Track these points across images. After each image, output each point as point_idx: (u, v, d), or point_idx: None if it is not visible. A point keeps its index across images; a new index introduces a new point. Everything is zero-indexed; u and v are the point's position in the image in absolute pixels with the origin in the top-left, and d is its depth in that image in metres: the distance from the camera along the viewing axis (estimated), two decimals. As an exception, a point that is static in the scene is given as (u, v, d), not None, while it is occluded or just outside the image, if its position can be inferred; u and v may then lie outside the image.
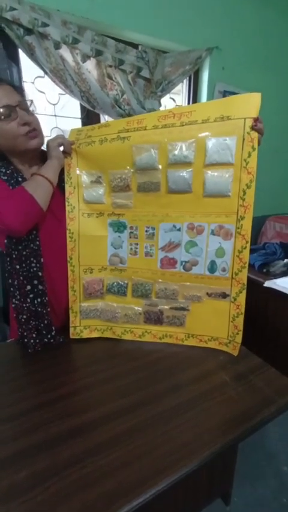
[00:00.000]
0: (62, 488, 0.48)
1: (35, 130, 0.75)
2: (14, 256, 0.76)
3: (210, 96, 1.75)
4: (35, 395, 0.67)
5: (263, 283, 1.44)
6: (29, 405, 0.64)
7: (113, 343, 0.86)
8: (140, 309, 0.87)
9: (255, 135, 0.69)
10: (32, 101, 0.78)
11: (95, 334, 0.88)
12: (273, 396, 0.65)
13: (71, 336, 0.87)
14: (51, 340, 0.82)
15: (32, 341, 0.80)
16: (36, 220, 0.76)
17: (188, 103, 1.84)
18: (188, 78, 1.79)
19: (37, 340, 0.81)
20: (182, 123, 0.74)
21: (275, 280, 1.45)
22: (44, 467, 0.51)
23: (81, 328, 0.87)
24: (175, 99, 1.86)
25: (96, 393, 0.68)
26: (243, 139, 0.70)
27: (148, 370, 0.75)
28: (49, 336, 0.82)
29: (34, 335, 0.80)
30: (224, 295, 0.80)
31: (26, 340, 0.80)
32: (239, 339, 0.79)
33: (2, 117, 0.70)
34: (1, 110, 0.69)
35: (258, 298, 1.48)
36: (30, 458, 0.53)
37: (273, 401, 0.64)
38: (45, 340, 0.82)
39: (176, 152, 0.75)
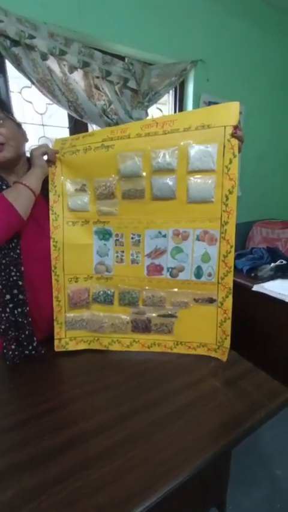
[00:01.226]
0: (53, 504, 0.46)
1: (1, 145, 0.73)
2: None
3: (196, 106, 1.80)
4: (22, 409, 0.65)
5: (252, 287, 1.46)
6: (17, 420, 0.62)
7: (99, 354, 0.85)
8: (128, 317, 0.86)
9: (235, 142, 0.71)
10: (9, 113, 0.77)
11: (81, 346, 0.85)
12: (263, 400, 0.66)
13: (56, 349, 0.84)
14: (33, 352, 0.79)
15: (10, 353, 0.77)
16: (16, 229, 0.75)
17: (175, 113, 1.88)
18: (174, 89, 1.83)
19: (16, 352, 0.78)
20: (164, 132, 0.75)
21: (263, 284, 1.47)
22: (34, 483, 0.49)
23: (66, 340, 0.85)
24: (162, 109, 1.90)
25: (85, 405, 0.66)
26: (224, 146, 0.71)
27: (137, 380, 0.74)
28: (30, 348, 0.79)
29: (13, 346, 0.78)
30: (211, 300, 0.80)
31: (4, 351, 0.78)
32: (227, 344, 0.79)
33: None
34: None
35: (247, 303, 1.50)
36: (19, 474, 0.51)
37: (263, 405, 0.64)
38: (26, 352, 0.79)
39: (160, 159, 0.76)
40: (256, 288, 1.45)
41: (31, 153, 0.80)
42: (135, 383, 0.73)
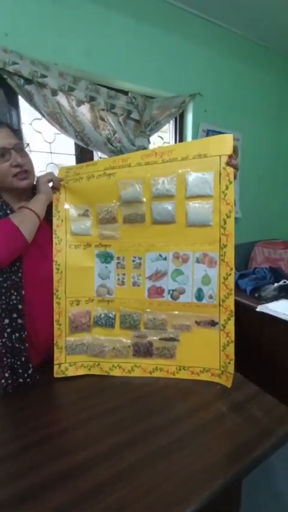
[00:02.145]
0: None
1: (26, 172, 0.79)
2: None
3: (195, 134, 1.90)
4: (19, 436, 0.63)
5: (256, 307, 1.44)
6: (14, 448, 0.60)
7: (99, 377, 0.83)
8: (129, 341, 0.85)
9: (230, 170, 0.74)
10: (28, 144, 0.84)
11: (81, 372, 0.84)
12: (273, 426, 0.63)
13: (55, 375, 0.82)
14: (28, 380, 0.78)
15: (3, 381, 0.75)
16: (20, 251, 0.77)
17: (175, 140, 1.98)
18: (174, 118, 1.94)
19: (9, 381, 0.76)
20: (163, 161, 0.80)
21: (267, 305, 1.45)
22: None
23: (66, 365, 0.83)
24: (163, 136, 2.00)
25: (85, 432, 0.64)
26: (220, 174, 0.75)
27: (138, 405, 0.72)
28: (25, 375, 0.78)
29: (7, 374, 0.76)
30: (213, 323, 0.80)
31: None
32: (231, 369, 0.77)
33: None
34: None
35: (252, 323, 1.48)
36: (16, 508, 0.48)
37: (273, 431, 0.61)
38: (20, 380, 0.77)
39: (159, 186, 0.79)
40: (260, 308, 1.43)
41: (37, 180, 0.85)
42: (136, 408, 0.71)
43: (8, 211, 0.80)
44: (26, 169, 0.79)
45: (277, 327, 1.38)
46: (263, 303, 1.47)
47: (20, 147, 0.79)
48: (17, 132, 0.84)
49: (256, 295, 1.55)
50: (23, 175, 0.79)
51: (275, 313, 1.38)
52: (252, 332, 1.49)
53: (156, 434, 0.62)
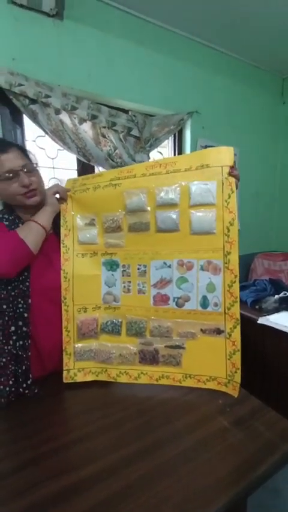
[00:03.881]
0: None
1: (34, 190, 0.82)
2: (1, 296, 0.77)
3: (194, 149, 1.97)
4: (20, 451, 0.61)
5: (257, 319, 1.44)
6: (14, 464, 0.58)
7: (103, 390, 0.81)
8: (135, 348, 0.85)
9: (232, 180, 0.77)
10: (37, 164, 0.87)
11: (89, 378, 0.84)
12: (277, 441, 0.61)
13: (64, 380, 0.82)
14: (26, 391, 0.77)
15: (7, 389, 0.75)
16: (26, 262, 0.79)
17: (174, 156, 2.05)
18: (173, 135, 2.02)
19: (12, 389, 0.76)
20: (167, 171, 0.83)
21: (268, 317, 1.45)
22: None
23: (75, 371, 0.84)
24: (162, 152, 2.07)
25: (88, 447, 0.62)
26: (222, 183, 0.78)
27: (141, 419, 0.70)
28: (24, 386, 0.77)
29: (10, 382, 0.76)
30: (219, 331, 0.80)
31: (1, 387, 0.75)
32: (237, 378, 0.76)
33: (6, 179, 0.78)
34: (6, 174, 0.77)
35: (254, 336, 1.47)
36: None
37: (276, 447, 0.60)
38: (20, 389, 0.77)
39: (163, 195, 0.82)
40: (261, 320, 1.43)
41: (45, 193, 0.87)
42: (139, 422, 0.69)
43: (20, 224, 0.83)
44: (33, 188, 0.82)
45: (279, 339, 1.38)
46: (264, 315, 1.47)
47: (28, 168, 0.81)
48: (25, 152, 0.86)
49: (257, 307, 1.56)
50: (30, 193, 0.82)
51: (276, 325, 1.38)
52: (254, 344, 1.48)
53: (158, 450, 0.61)
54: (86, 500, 0.51)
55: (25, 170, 0.80)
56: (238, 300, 0.78)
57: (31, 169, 0.83)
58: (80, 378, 0.83)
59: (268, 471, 0.56)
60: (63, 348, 0.84)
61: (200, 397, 0.77)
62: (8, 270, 0.75)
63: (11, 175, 0.78)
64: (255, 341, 1.47)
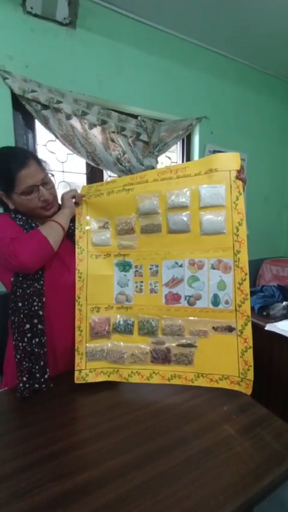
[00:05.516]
0: None
1: (51, 203, 0.86)
2: (18, 293, 0.79)
3: (202, 155, 2.00)
4: (23, 453, 0.61)
5: (264, 326, 1.42)
6: (16, 465, 0.58)
7: (111, 392, 0.81)
8: (147, 347, 0.86)
9: (239, 183, 0.81)
10: (53, 175, 0.90)
11: (100, 378, 0.84)
12: (284, 452, 0.60)
13: (76, 381, 0.83)
14: (43, 386, 0.79)
15: (21, 385, 0.77)
16: (47, 259, 0.82)
17: (182, 160, 2.07)
18: (181, 140, 2.05)
19: (26, 385, 0.77)
20: (178, 176, 0.86)
21: (275, 324, 1.43)
22: None
23: (86, 371, 0.84)
24: (171, 157, 2.10)
25: (92, 450, 0.62)
26: (231, 186, 0.81)
27: (147, 423, 0.69)
28: (42, 380, 0.79)
29: (25, 378, 0.77)
30: (230, 329, 0.80)
31: (17, 382, 0.77)
32: (250, 375, 0.77)
33: (26, 195, 0.81)
34: (26, 190, 0.80)
35: (261, 343, 1.44)
36: None
37: (284, 457, 0.58)
38: (36, 385, 0.78)
39: (174, 198, 0.85)
40: (269, 327, 1.41)
41: (62, 196, 0.92)
42: (145, 426, 0.69)
43: (34, 225, 0.86)
44: (51, 201, 0.86)
45: (287, 346, 1.36)
46: (272, 322, 1.45)
47: (46, 181, 0.84)
48: (43, 164, 0.88)
49: (264, 313, 1.54)
50: (49, 206, 0.86)
51: (284, 332, 1.35)
52: (261, 351, 1.45)
53: (162, 457, 0.60)
54: (85, 506, 0.50)
55: (44, 184, 0.83)
56: (249, 297, 0.79)
57: (48, 181, 0.86)
58: (91, 378, 0.84)
59: (275, 482, 0.54)
60: (76, 348, 0.85)
61: (205, 402, 0.76)
62: (32, 265, 0.78)
63: (31, 190, 0.81)
64: (262, 348, 1.45)
